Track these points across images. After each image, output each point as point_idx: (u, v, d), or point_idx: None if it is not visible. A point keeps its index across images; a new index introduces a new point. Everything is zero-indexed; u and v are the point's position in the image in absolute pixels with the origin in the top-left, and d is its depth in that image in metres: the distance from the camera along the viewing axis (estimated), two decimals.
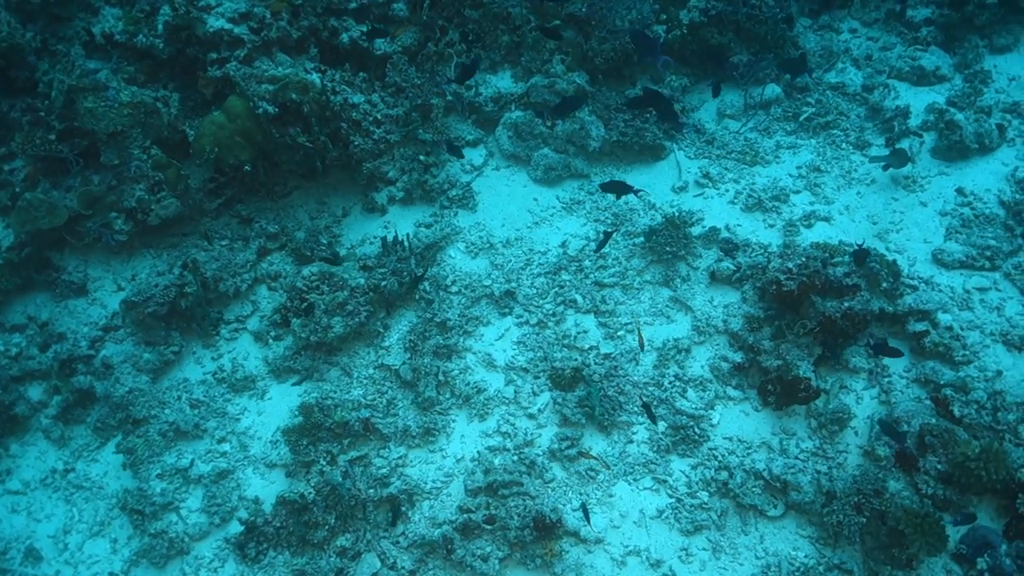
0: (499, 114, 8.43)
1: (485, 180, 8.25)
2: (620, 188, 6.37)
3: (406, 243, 7.43)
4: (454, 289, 7.35)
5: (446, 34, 8.58)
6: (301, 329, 6.86)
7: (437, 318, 7.08)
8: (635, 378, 6.67)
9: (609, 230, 7.32)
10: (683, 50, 8.83)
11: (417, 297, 7.27)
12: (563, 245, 7.58)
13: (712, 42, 8.74)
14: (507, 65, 8.80)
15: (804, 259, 6.39)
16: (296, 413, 6.63)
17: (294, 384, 7.00)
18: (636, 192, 6.45)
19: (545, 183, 8.15)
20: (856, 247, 6.47)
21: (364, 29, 8.07)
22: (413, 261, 7.37)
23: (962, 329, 6.43)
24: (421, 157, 8.02)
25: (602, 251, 7.40)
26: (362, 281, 7.15)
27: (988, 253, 6.75)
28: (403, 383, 6.87)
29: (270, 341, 7.20)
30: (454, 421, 6.64)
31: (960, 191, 7.30)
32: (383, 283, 7.18)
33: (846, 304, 6.29)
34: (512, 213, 7.92)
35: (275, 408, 6.90)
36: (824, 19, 9.60)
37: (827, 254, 6.56)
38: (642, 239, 7.40)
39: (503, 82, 8.66)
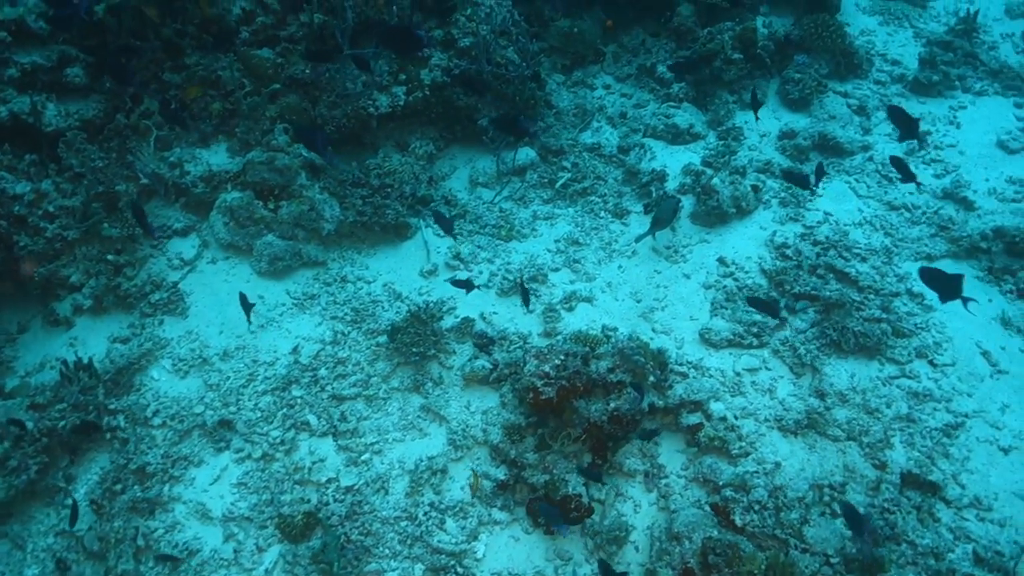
0: (213, 196, 7.34)
1: (199, 277, 7.12)
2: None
3: (93, 368, 6.16)
4: (157, 422, 6.15)
5: (141, 103, 7.41)
6: None
7: (134, 463, 5.86)
8: (384, 513, 5.78)
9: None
10: (427, 112, 8.20)
11: (108, 436, 6.00)
12: (295, 351, 6.60)
13: (459, 103, 8.17)
14: (222, 137, 7.75)
15: (562, 358, 5.81)
16: None
17: None
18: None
19: (272, 276, 7.14)
20: None
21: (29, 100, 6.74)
22: (101, 391, 6.11)
23: (736, 418, 6.11)
24: (109, 256, 6.77)
25: (341, 356, 6.52)
26: (31, 425, 5.80)
27: (755, 329, 6.53)
28: (90, 555, 5.58)
29: None
30: None
31: (722, 260, 7.10)
32: (61, 423, 5.88)
33: (612, 405, 5.77)
34: (232, 316, 6.84)
35: None
36: (577, 75, 9.37)
37: (588, 348, 6.03)
38: (386, 338, 6.58)
39: (217, 157, 7.59)
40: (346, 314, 6.89)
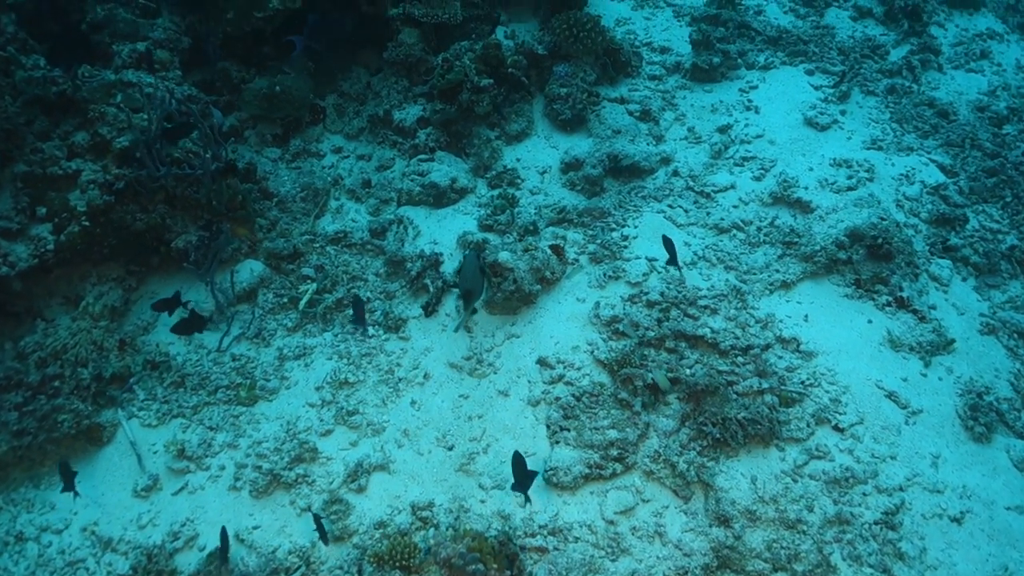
0: None
1: None
2: None
3: None
4: None
5: None
6: None
7: None
8: None
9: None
10: (94, 250, 5.94)
11: None
12: None
13: (137, 226, 5.97)
14: None
15: None
16: None
17: None
18: None
19: None
20: None
21: None
22: None
23: None
24: None
25: None
26: None
27: (615, 452, 4.87)
28: None
29: None
30: None
31: (543, 362, 5.40)
32: None
33: None
34: None
35: None
36: (296, 143, 7.37)
37: (400, 567, 4.12)
38: None
39: None
40: None
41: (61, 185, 5.90)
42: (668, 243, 5.16)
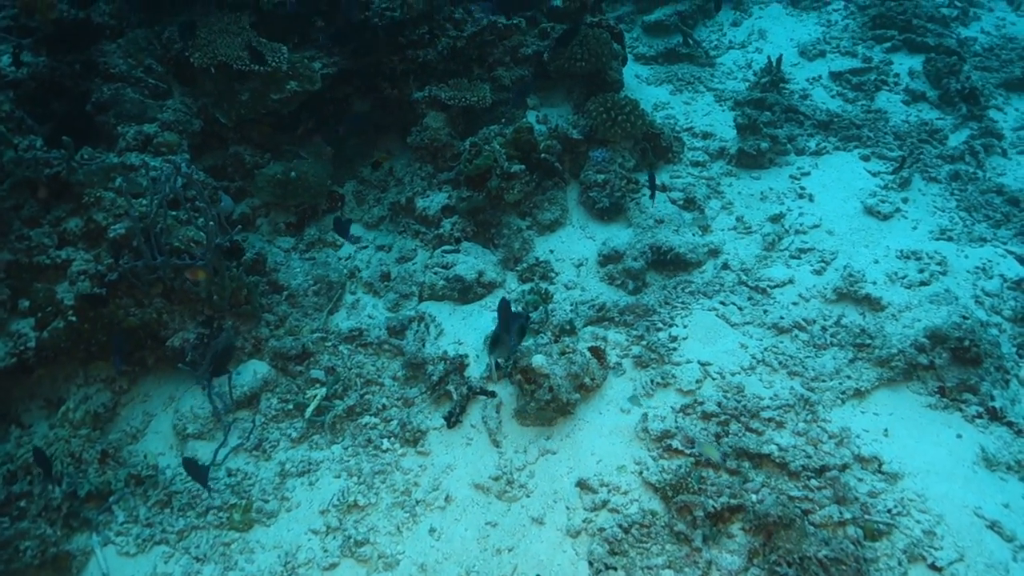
0: None
1: None
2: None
3: None
4: None
5: None
6: None
7: None
8: None
9: None
10: (84, 346, 5.29)
11: None
12: None
13: (131, 322, 5.34)
14: None
15: None
16: None
17: None
18: None
19: None
20: None
21: None
22: None
23: None
24: None
25: None
26: None
27: None
28: None
29: None
30: None
31: (584, 485, 4.61)
32: None
33: None
34: None
35: None
36: (311, 233, 6.79)
37: None
38: None
39: None
40: None
41: (49, 276, 5.34)
42: (650, 174, 5.93)
